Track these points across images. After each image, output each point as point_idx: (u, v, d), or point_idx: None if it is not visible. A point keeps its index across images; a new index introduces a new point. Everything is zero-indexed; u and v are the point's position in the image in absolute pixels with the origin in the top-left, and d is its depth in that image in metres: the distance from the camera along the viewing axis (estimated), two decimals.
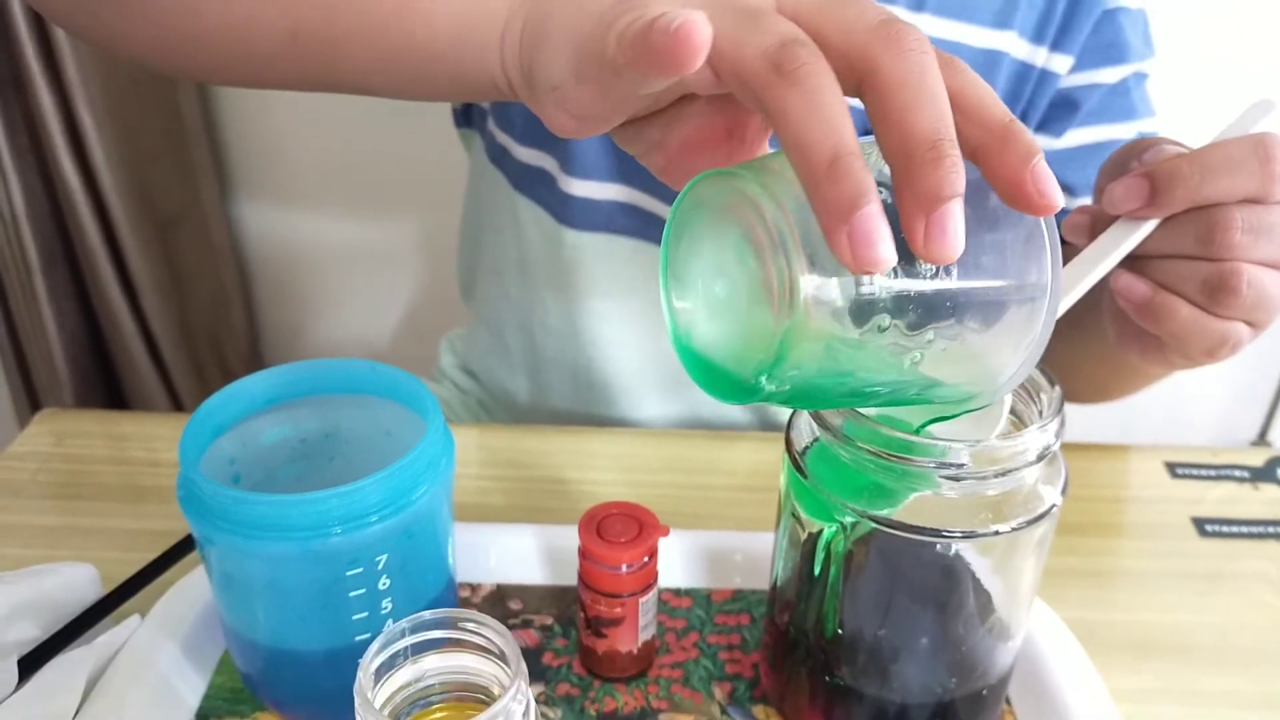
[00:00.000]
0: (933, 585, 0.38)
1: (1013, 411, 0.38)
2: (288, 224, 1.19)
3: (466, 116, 0.71)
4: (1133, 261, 0.38)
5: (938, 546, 0.37)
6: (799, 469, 0.38)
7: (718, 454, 0.64)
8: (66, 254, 1.10)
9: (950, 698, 0.40)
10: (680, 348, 0.32)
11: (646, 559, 0.44)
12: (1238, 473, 0.64)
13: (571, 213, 0.62)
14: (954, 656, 0.40)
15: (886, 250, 0.25)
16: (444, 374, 0.81)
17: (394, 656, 0.28)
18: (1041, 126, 0.63)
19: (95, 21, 0.44)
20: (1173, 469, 0.64)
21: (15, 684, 0.43)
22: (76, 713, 0.42)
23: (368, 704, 0.26)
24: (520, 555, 0.53)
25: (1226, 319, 0.37)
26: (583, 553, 0.44)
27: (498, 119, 0.65)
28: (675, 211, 0.31)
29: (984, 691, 0.40)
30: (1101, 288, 0.41)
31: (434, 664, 0.29)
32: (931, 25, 0.58)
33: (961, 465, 0.34)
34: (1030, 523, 0.36)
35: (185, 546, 0.51)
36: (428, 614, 0.28)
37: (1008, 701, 0.46)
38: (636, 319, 0.66)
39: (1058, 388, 0.37)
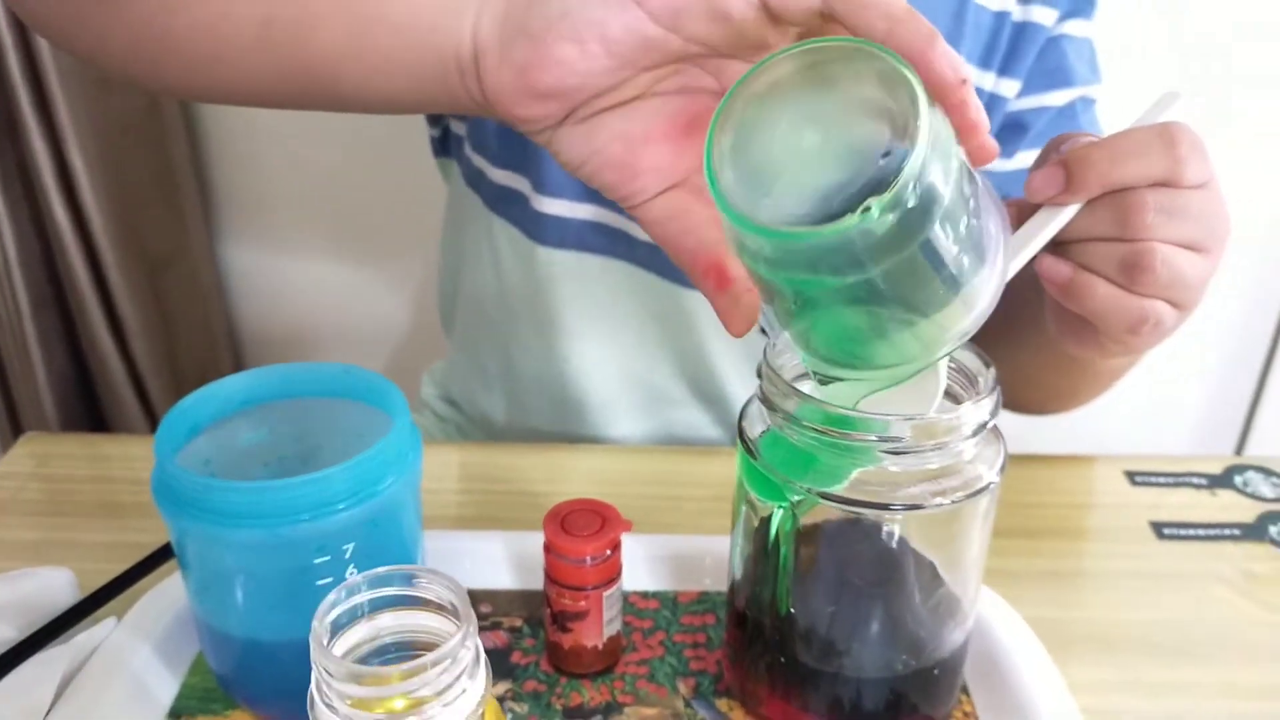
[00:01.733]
0: (878, 561, 0.40)
1: (952, 395, 0.40)
2: (275, 267, 1.21)
3: (444, 145, 0.73)
4: (1057, 247, 0.40)
5: (882, 523, 0.39)
6: (750, 451, 0.39)
7: (690, 468, 0.65)
8: (56, 297, 1.12)
9: (904, 674, 0.41)
10: (729, 208, 0.32)
11: (609, 552, 0.45)
12: (1196, 480, 0.65)
13: (544, 231, 0.64)
14: (904, 631, 0.41)
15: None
16: (424, 403, 0.83)
17: (352, 611, 0.29)
18: None
19: (79, 25, 0.46)
20: (1132, 477, 0.65)
21: None
22: (50, 709, 0.43)
23: (323, 649, 0.27)
24: (491, 561, 0.54)
25: (1145, 296, 0.39)
26: (547, 547, 0.45)
27: (474, 143, 0.67)
28: (749, 77, 0.32)
29: (935, 670, 0.42)
30: (1039, 284, 0.43)
31: (390, 622, 0.30)
32: None
33: (901, 439, 0.36)
34: (969, 497, 0.37)
35: (163, 555, 0.52)
36: (383, 569, 0.29)
37: (965, 691, 0.47)
38: (609, 336, 0.68)
39: (992, 369, 0.39)
